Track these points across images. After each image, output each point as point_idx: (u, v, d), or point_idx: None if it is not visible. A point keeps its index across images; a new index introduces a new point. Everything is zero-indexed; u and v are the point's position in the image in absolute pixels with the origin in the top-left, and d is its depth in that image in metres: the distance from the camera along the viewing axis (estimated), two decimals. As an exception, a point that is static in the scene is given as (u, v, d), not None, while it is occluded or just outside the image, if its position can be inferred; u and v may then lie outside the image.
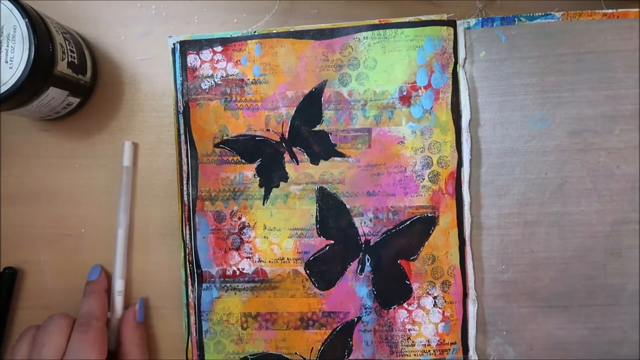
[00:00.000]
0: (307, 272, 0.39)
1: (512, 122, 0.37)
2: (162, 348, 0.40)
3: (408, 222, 0.38)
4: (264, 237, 0.39)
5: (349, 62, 0.38)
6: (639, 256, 0.37)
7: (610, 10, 0.37)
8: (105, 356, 0.35)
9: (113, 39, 0.41)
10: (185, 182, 0.39)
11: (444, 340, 0.38)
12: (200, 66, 0.39)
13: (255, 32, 0.39)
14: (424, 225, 0.38)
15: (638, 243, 0.36)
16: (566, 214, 0.37)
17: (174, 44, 0.39)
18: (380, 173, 0.38)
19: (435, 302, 0.38)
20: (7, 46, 0.33)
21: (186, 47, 0.39)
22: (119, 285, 0.40)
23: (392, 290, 0.38)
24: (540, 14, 0.37)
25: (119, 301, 0.39)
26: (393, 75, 0.38)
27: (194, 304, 0.39)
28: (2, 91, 0.33)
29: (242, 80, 0.39)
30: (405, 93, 0.38)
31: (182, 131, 0.39)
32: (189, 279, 0.39)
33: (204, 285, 0.39)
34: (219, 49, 0.39)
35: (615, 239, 0.37)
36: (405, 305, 0.38)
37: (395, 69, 0.38)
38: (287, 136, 0.39)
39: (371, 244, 0.38)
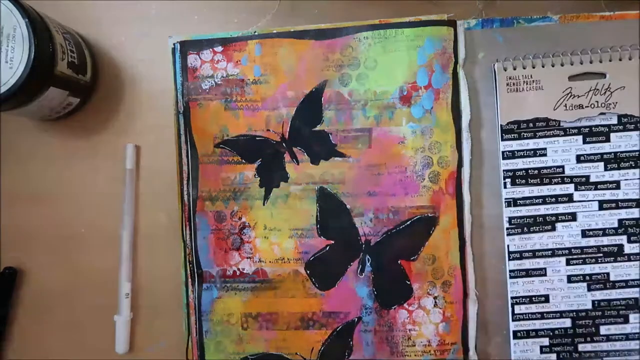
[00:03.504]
0: (308, 272, 0.39)
1: (513, 122, 0.37)
2: (162, 348, 0.40)
3: (408, 222, 0.38)
4: (265, 237, 0.39)
5: (349, 62, 0.38)
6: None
7: (608, 13, 0.37)
8: None
9: (113, 39, 0.41)
10: (185, 182, 0.39)
11: (444, 341, 0.38)
12: (201, 66, 0.39)
13: (255, 32, 0.39)
14: (424, 225, 0.38)
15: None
16: (566, 214, 0.37)
17: (174, 44, 0.39)
18: (381, 173, 0.38)
19: (435, 302, 0.38)
20: (7, 46, 0.33)
21: (186, 47, 0.39)
22: (126, 287, 0.39)
23: (393, 290, 0.38)
24: (538, 16, 0.37)
25: (126, 304, 0.39)
26: (393, 75, 0.38)
27: (194, 304, 0.39)
28: (2, 91, 0.33)
29: (243, 80, 0.39)
30: (405, 93, 0.38)
31: (182, 131, 0.39)
32: (189, 279, 0.39)
33: (204, 286, 0.39)
34: (219, 49, 0.39)
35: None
36: (405, 305, 0.38)
37: (395, 69, 0.38)
38: (287, 136, 0.39)
39: (372, 244, 0.38)
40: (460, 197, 0.38)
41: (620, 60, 0.36)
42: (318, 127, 0.38)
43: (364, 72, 0.38)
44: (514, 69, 0.37)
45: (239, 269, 0.39)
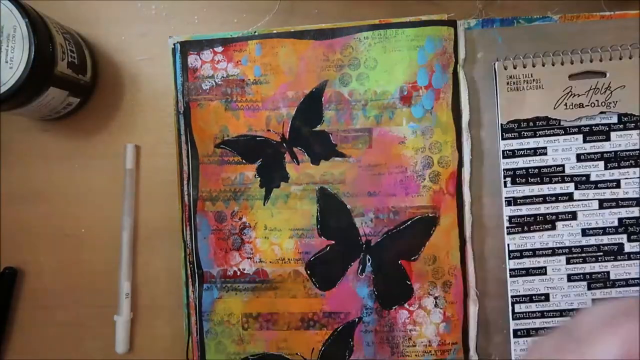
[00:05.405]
0: (308, 272, 0.39)
1: (513, 122, 0.37)
2: (162, 348, 0.40)
3: (409, 223, 0.38)
4: (265, 237, 0.39)
5: (349, 62, 0.38)
6: None
7: (608, 13, 0.37)
8: None
9: (113, 39, 0.41)
10: (185, 182, 0.39)
11: (445, 341, 0.38)
12: (201, 67, 0.39)
13: (255, 32, 0.39)
14: (424, 225, 0.38)
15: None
16: (567, 213, 0.37)
17: (174, 44, 0.39)
18: (381, 173, 0.38)
19: (436, 302, 0.38)
20: (7, 46, 0.33)
21: (187, 47, 0.39)
22: (126, 287, 0.39)
23: (393, 290, 0.38)
24: (538, 16, 0.37)
25: (126, 304, 0.39)
26: (394, 75, 0.38)
27: (195, 304, 0.39)
28: (2, 91, 0.33)
29: (243, 80, 0.39)
30: (406, 93, 0.38)
31: (182, 132, 0.39)
32: (190, 279, 0.39)
33: (204, 286, 0.39)
34: (219, 49, 0.39)
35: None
36: (406, 305, 0.38)
37: (395, 69, 0.38)
38: (287, 136, 0.39)
39: (372, 245, 0.38)
40: (461, 197, 0.38)
41: (620, 59, 0.36)
42: (318, 127, 0.38)
43: (364, 72, 0.38)
44: (514, 67, 0.37)
45: (239, 269, 0.39)
